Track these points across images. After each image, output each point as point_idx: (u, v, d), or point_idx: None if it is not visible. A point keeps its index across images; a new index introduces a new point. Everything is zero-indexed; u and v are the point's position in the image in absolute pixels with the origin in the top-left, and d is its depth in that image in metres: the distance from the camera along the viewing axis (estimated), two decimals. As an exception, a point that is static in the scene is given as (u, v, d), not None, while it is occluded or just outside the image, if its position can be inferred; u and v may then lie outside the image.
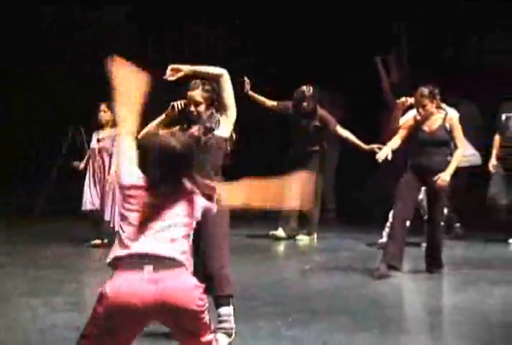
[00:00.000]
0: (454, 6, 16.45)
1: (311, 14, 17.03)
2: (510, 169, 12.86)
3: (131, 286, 5.00)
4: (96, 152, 12.81)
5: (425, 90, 10.48)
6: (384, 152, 10.48)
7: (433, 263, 10.91)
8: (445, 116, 10.60)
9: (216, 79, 7.57)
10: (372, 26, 16.26)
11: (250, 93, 13.04)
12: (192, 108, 7.74)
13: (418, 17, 16.73)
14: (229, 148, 7.93)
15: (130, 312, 4.99)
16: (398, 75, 14.23)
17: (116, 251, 5.08)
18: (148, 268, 5.05)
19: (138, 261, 5.08)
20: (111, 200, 12.60)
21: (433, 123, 10.62)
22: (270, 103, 13.19)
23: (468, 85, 14.95)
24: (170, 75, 8.11)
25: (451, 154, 10.62)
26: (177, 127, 7.93)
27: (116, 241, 5.10)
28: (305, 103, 12.81)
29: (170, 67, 7.99)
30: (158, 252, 5.11)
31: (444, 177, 10.25)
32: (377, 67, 13.37)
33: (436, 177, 10.34)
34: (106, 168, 12.89)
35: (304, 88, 12.84)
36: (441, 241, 10.99)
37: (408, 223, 11.48)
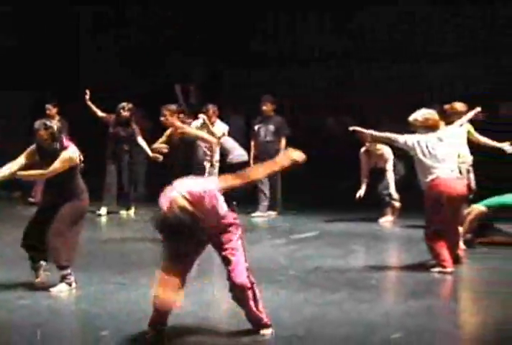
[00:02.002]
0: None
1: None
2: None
3: None
4: None
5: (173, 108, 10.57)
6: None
7: None
8: None
9: None
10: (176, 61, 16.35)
11: (88, 103, 13.18)
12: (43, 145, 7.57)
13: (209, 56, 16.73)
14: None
15: None
16: (195, 98, 14.45)
17: None
18: None
19: None
20: None
21: None
22: (100, 113, 13.30)
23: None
24: None
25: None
26: None
27: None
28: (123, 113, 13.02)
29: None
30: None
31: None
32: (176, 93, 13.72)
33: None
34: None
35: (124, 103, 13.10)
36: None
37: None
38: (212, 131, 12.43)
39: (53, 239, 7.55)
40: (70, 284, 7.66)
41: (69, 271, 7.67)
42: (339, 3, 16.06)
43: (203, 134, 11.00)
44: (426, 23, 15.91)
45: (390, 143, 8.98)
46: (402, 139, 8.62)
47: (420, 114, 8.66)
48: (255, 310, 6.08)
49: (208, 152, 12.46)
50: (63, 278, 7.65)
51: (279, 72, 16.33)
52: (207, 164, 12.35)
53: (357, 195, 12.23)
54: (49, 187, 7.89)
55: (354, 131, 9.04)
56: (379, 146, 12.22)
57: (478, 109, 9.44)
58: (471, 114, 9.45)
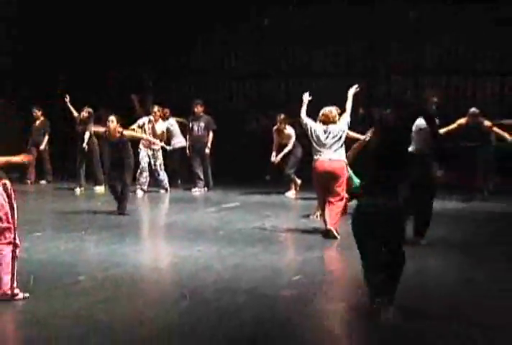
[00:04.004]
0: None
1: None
2: (197, 151, 12.97)
3: None
4: None
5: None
6: None
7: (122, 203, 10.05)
8: None
9: None
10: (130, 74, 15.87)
11: (68, 104, 12.95)
12: None
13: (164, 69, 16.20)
14: None
15: None
16: (149, 104, 14.28)
17: None
18: None
19: None
20: None
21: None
22: (75, 114, 13.08)
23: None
24: None
25: None
26: None
27: None
28: (82, 114, 12.76)
29: None
30: None
31: None
32: (133, 101, 13.59)
33: None
34: None
35: (86, 107, 12.79)
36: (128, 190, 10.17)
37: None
38: (155, 129, 12.62)
39: None
40: None
41: None
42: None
43: None
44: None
45: (299, 118, 8.82)
46: (305, 120, 8.56)
47: (322, 110, 8.53)
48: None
49: (152, 141, 12.57)
50: None
51: (212, 82, 16.33)
52: (150, 152, 12.53)
53: (272, 159, 12.27)
54: None
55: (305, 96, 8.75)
56: (286, 126, 12.35)
57: (356, 86, 8.74)
58: (352, 90, 8.71)
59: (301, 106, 8.78)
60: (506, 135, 11.30)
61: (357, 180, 8.52)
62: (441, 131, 11.04)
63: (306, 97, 8.79)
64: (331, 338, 5.01)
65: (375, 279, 5.11)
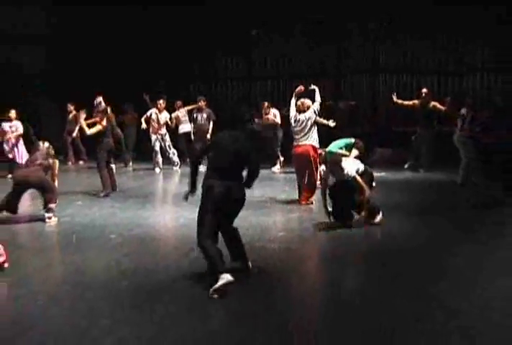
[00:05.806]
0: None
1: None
2: (200, 137, 12.65)
3: None
4: None
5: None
6: None
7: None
8: None
9: None
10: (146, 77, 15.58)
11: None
12: None
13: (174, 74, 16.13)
14: None
15: None
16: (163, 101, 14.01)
17: None
18: None
19: None
20: None
21: None
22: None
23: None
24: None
25: None
26: None
27: None
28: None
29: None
30: None
31: None
32: (145, 99, 13.44)
33: None
34: None
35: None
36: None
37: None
38: (159, 118, 12.59)
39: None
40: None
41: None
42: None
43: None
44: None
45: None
46: (291, 110, 8.22)
47: (298, 102, 8.23)
48: None
49: (156, 126, 12.51)
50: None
51: (212, 85, 16.34)
52: (159, 136, 12.45)
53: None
54: None
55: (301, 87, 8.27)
56: (271, 110, 12.35)
57: (301, 87, 8.27)
58: (297, 90, 8.24)
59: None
60: (442, 107, 11.38)
61: (334, 150, 8.51)
62: (399, 101, 11.36)
63: (297, 90, 8.34)
64: (308, 276, 5.17)
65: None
